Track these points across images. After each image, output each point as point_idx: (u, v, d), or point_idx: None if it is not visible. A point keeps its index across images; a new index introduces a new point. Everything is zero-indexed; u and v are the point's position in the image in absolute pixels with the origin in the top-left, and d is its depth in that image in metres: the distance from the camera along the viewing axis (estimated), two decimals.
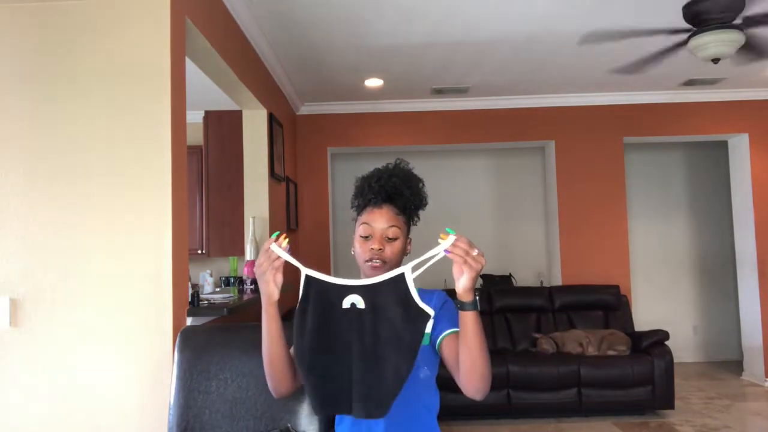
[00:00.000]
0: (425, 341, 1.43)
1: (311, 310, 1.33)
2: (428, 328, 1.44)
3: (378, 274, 1.38)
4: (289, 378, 1.43)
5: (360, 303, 1.32)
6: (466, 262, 1.24)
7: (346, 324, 1.31)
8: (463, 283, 1.26)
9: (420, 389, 1.46)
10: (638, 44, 4.01)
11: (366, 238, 1.48)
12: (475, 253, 1.25)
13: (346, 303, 1.32)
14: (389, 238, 1.47)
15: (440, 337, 1.44)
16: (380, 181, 1.51)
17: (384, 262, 1.46)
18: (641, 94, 5.61)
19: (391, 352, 1.29)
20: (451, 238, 1.26)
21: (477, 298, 1.30)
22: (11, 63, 2.38)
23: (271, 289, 1.36)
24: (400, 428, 1.42)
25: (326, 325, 1.32)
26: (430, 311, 1.31)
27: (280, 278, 1.36)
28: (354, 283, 1.33)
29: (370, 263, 1.46)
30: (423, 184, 1.56)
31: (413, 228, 1.58)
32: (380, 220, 1.48)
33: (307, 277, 1.35)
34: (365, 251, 1.47)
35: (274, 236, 1.36)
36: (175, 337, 2.21)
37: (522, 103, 5.66)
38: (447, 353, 1.42)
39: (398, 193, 1.50)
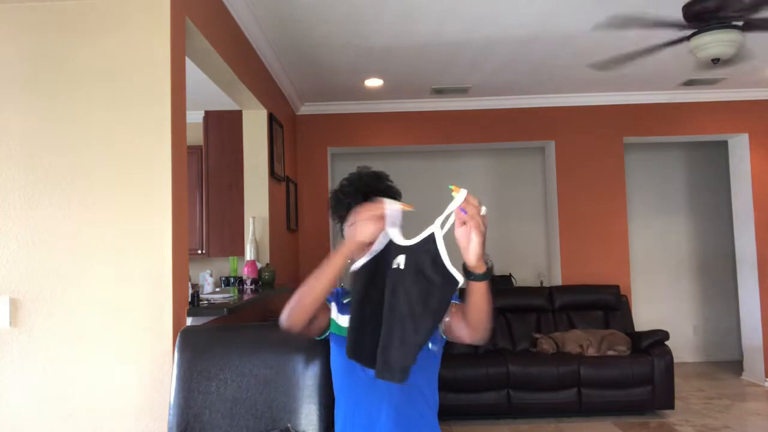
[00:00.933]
0: None
1: (371, 266, 1.37)
2: None
3: None
4: (306, 320, 1.43)
5: (403, 263, 1.32)
6: (479, 225, 1.19)
7: (387, 282, 1.33)
8: (474, 249, 1.20)
9: (423, 385, 1.46)
10: (639, 43, 4.01)
11: None
12: (483, 211, 1.21)
13: (395, 264, 1.33)
14: None
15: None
16: (353, 185, 1.53)
17: None
18: (641, 94, 5.60)
19: (416, 312, 1.28)
20: (463, 191, 1.21)
21: (490, 265, 1.24)
22: (11, 63, 2.38)
23: (363, 231, 1.34)
24: (402, 424, 1.42)
25: (375, 280, 1.35)
26: (459, 278, 1.26)
27: (374, 228, 1.33)
28: (400, 243, 1.34)
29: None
30: (391, 181, 1.57)
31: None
32: None
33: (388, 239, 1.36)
34: None
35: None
36: (175, 337, 2.20)
37: (522, 103, 5.66)
38: (447, 323, 1.42)
39: (373, 189, 1.52)
